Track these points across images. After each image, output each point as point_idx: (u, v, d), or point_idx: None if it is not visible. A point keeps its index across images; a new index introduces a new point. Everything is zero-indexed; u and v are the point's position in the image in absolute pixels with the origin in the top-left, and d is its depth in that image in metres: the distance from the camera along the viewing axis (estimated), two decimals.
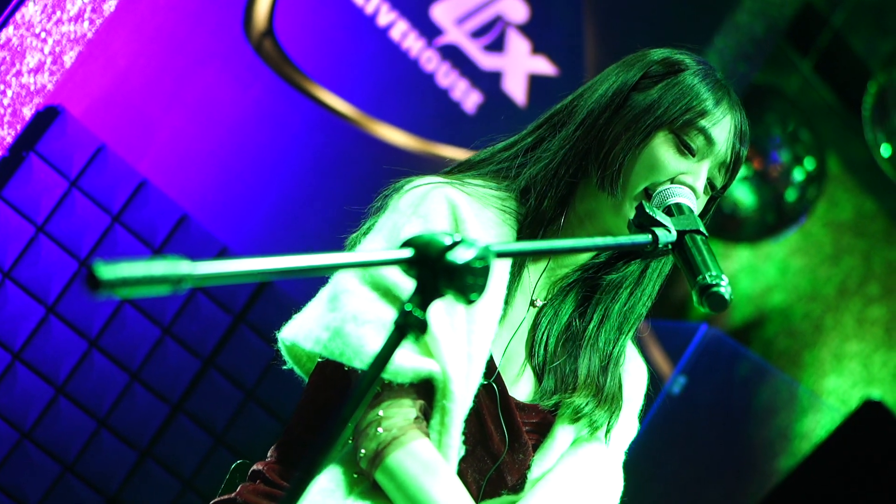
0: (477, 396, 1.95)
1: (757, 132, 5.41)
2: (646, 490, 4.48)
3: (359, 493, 1.92)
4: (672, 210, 1.92)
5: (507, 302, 2.02)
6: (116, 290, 1.23)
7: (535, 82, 4.52)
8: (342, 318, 1.93)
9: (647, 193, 2.01)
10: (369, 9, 4.15)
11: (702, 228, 1.85)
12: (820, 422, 4.88)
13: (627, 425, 2.15)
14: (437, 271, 1.42)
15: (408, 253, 1.44)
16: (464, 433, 1.94)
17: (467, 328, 1.94)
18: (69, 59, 3.49)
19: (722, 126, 2.04)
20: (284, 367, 2.11)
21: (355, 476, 1.94)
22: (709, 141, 2.03)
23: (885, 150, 5.22)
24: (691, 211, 1.93)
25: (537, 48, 4.53)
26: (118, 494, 3.70)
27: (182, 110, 3.82)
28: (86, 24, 3.50)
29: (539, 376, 2.07)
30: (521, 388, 2.06)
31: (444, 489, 1.86)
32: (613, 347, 2.10)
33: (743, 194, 5.48)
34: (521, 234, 2.06)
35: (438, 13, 4.32)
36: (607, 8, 4.69)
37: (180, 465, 3.79)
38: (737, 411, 4.81)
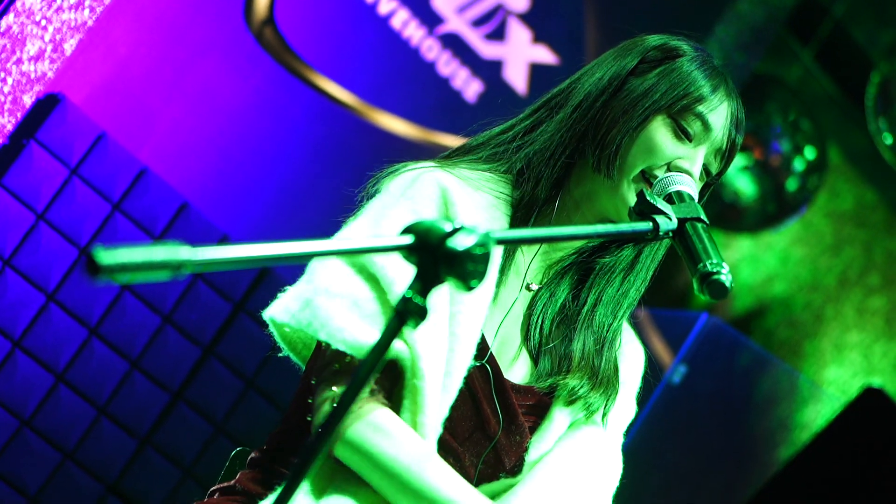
0: (470, 378, 1.95)
1: (758, 121, 5.40)
2: (646, 479, 4.48)
3: (336, 485, 1.91)
4: (673, 198, 1.92)
5: (499, 283, 2.02)
6: (116, 276, 1.22)
7: (536, 71, 4.52)
8: (314, 289, 1.93)
9: (644, 176, 2.02)
10: None
11: (703, 216, 1.85)
12: (820, 412, 4.88)
13: (625, 408, 2.15)
14: (437, 258, 1.42)
15: (408, 239, 1.44)
16: (453, 416, 1.93)
17: (450, 309, 1.93)
18: (69, 46, 3.49)
19: (719, 112, 2.05)
20: (280, 355, 2.10)
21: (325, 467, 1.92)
22: (706, 127, 2.03)
23: (887, 139, 5.22)
24: (692, 199, 1.93)
25: (538, 37, 4.52)
26: (118, 482, 3.70)
27: (182, 98, 3.82)
28: (86, 11, 3.49)
29: (535, 359, 2.07)
30: (518, 370, 2.06)
31: (410, 452, 1.85)
32: (608, 330, 2.10)
33: (744, 184, 5.47)
34: (515, 218, 2.07)
35: (439, 2, 4.31)
36: None
37: (180, 453, 3.79)
38: (737, 401, 4.81)
